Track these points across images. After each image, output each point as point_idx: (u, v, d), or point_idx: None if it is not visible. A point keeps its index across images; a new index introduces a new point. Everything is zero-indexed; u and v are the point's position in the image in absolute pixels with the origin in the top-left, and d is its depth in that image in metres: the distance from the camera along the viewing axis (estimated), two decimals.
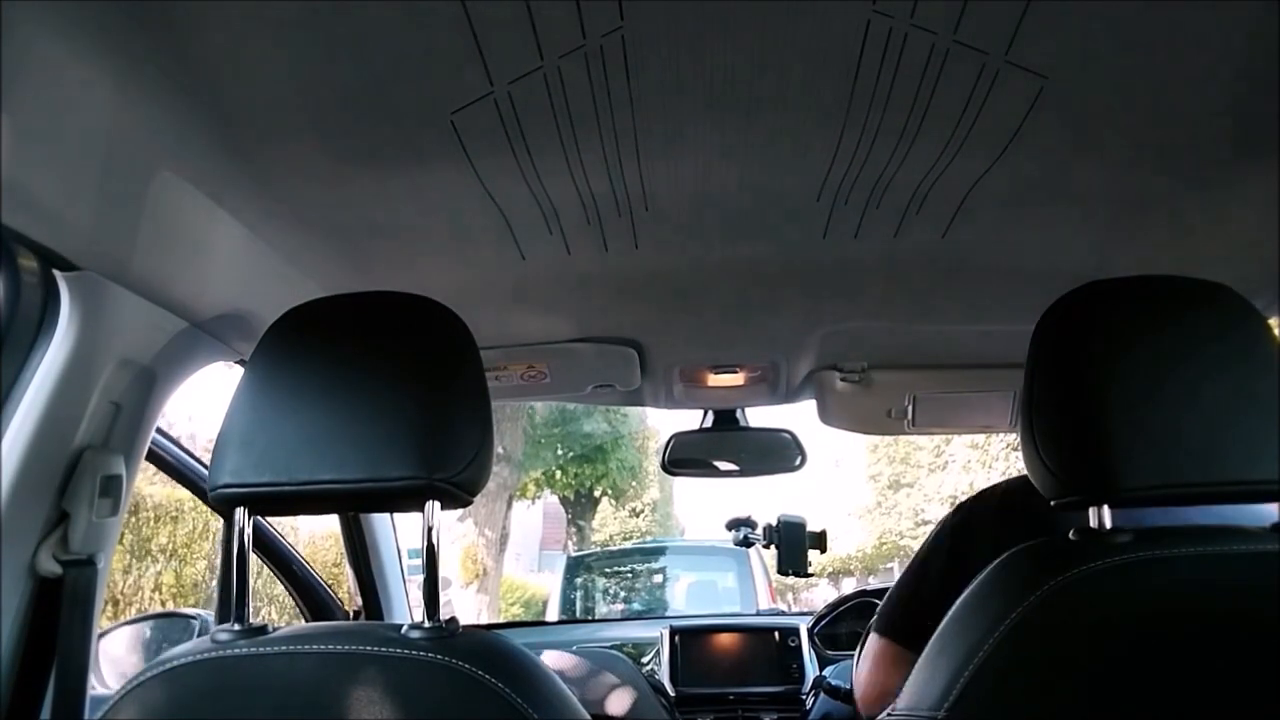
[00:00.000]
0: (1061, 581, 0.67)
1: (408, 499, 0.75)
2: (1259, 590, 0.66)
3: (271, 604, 4.65)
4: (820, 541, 2.07)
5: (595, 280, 1.28)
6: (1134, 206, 1.05)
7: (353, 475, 0.71)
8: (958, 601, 0.75)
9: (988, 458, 12.42)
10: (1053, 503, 0.74)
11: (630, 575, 6.59)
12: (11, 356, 0.85)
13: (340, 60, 0.75)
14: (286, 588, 1.84)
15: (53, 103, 0.70)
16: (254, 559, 1.68)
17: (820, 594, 11.30)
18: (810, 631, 2.06)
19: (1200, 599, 0.67)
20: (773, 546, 2.08)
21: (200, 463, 1.50)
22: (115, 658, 1.48)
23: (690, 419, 2.07)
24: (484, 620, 8.60)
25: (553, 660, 1.80)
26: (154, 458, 1.41)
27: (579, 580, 6.28)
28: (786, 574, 2.08)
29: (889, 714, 0.76)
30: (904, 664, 0.85)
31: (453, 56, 0.75)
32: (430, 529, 0.75)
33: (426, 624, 0.73)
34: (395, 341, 0.77)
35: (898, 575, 1.19)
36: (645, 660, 2.06)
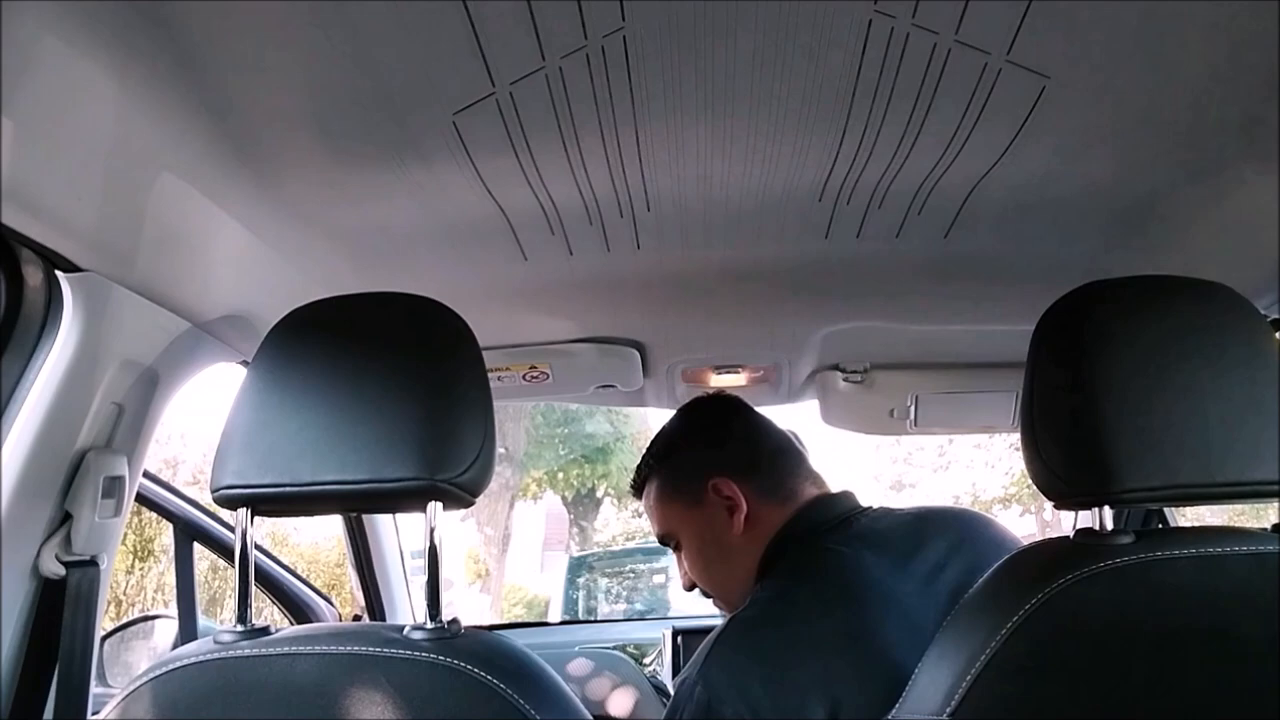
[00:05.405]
0: (1063, 584, 0.67)
1: (410, 500, 0.75)
2: (1260, 591, 0.66)
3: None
4: None
5: (597, 280, 1.28)
6: (1134, 206, 1.05)
7: (355, 476, 0.72)
8: (958, 606, 0.74)
9: (991, 458, 12.41)
10: (1055, 503, 0.74)
11: (633, 575, 6.57)
12: (14, 358, 0.85)
13: (342, 62, 0.75)
14: (263, 592, 1.81)
15: (55, 104, 0.70)
16: (211, 559, 1.66)
17: None
18: None
19: (1202, 600, 0.66)
20: None
21: (180, 495, 1.51)
22: (108, 658, 1.49)
23: None
24: (486, 620, 8.60)
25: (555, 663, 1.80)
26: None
27: (581, 580, 6.27)
28: None
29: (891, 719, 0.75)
30: None
31: (454, 57, 0.75)
32: (433, 530, 0.75)
33: (429, 625, 0.73)
34: (398, 342, 0.77)
35: None
36: (647, 661, 2.06)
